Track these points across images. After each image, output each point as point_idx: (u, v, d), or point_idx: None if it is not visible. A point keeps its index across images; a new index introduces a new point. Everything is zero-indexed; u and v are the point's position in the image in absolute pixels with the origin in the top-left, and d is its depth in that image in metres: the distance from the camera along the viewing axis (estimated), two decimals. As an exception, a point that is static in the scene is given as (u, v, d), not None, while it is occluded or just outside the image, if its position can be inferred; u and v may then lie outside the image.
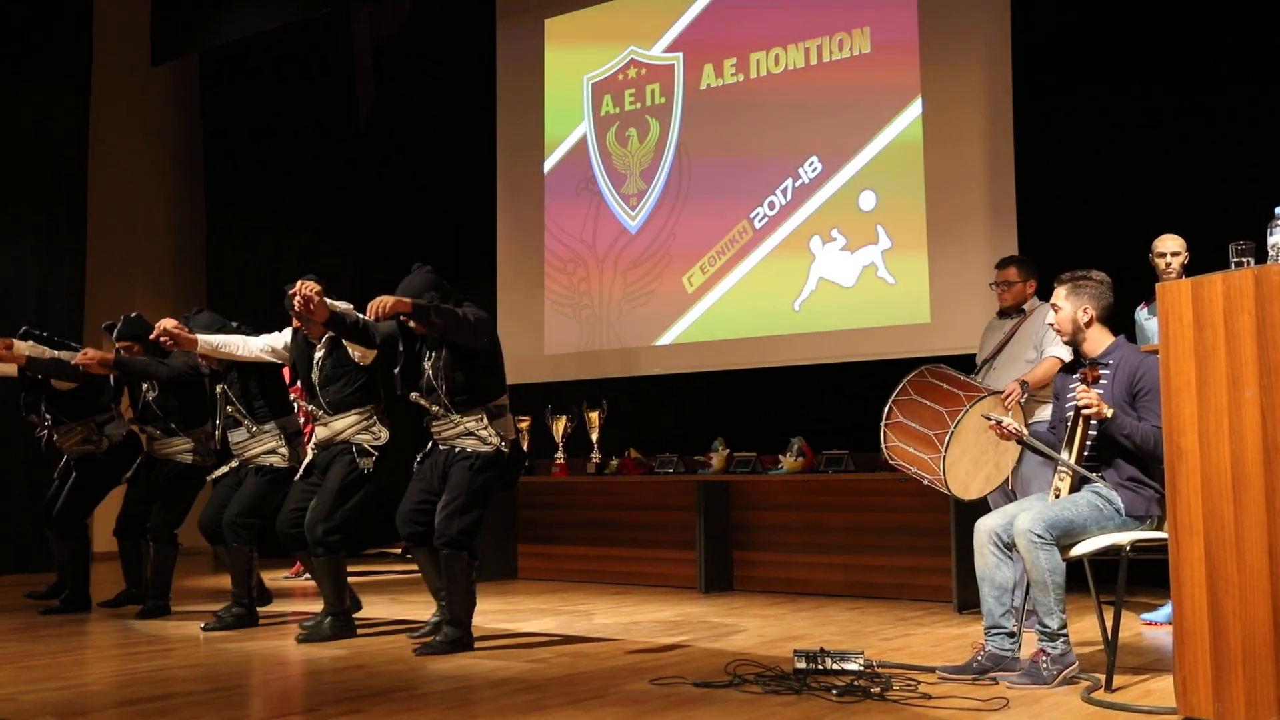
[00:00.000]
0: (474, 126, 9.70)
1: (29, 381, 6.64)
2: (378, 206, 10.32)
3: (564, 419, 7.91)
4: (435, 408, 4.97)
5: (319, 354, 5.35)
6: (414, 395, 5.00)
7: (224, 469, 5.94)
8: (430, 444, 5.10)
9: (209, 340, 5.56)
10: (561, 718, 3.56)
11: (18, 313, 9.12)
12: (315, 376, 5.33)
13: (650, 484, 7.53)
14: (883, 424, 4.56)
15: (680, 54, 8.60)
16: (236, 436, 5.87)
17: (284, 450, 5.84)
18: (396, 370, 5.04)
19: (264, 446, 5.85)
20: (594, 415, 7.81)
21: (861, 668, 4.06)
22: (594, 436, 7.81)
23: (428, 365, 4.97)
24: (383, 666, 4.53)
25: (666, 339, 8.50)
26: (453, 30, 10.05)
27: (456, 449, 4.96)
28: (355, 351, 5.26)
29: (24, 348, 6.38)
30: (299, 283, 5.00)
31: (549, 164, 9.21)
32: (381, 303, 4.60)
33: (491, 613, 6.05)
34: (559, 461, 7.86)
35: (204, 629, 5.58)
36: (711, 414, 8.14)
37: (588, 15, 9.13)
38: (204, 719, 3.63)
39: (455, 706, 3.75)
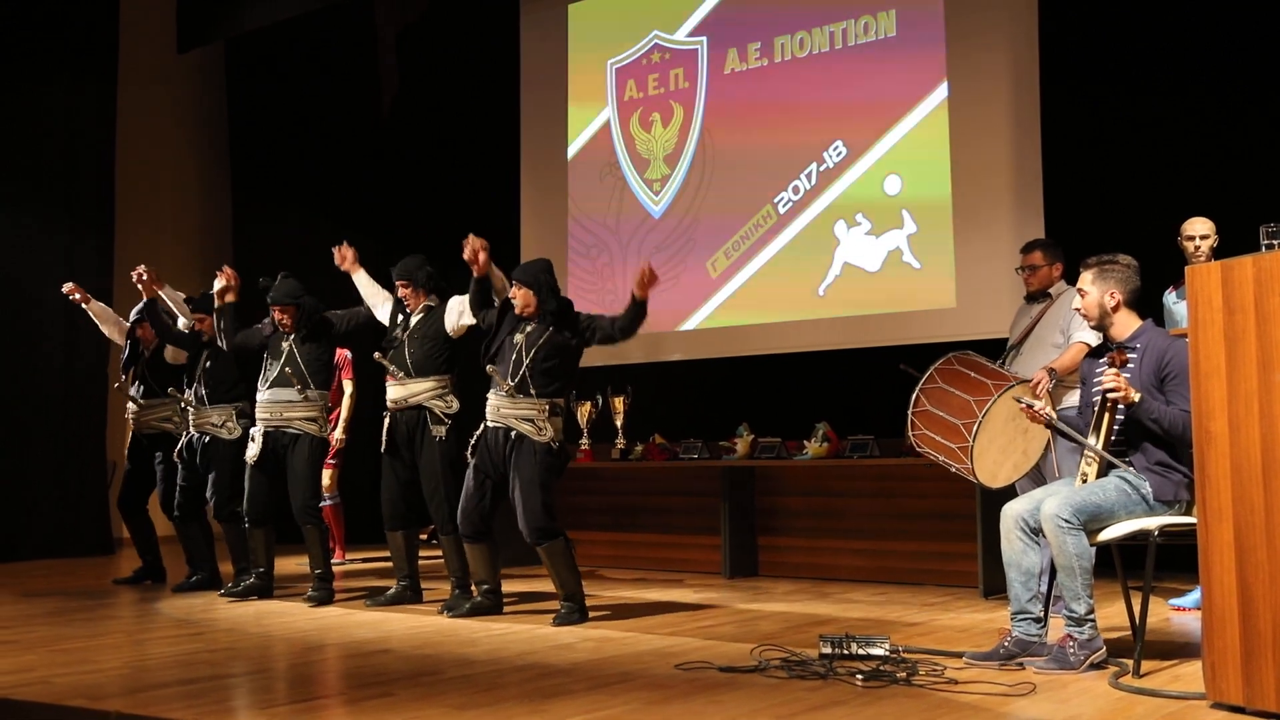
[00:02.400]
0: (497, 112, 9.70)
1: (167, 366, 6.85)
2: (401, 192, 10.33)
3: (588, 405, 7.91)
4: (508, 383, 5.14)
5: (416, 318, 5.69)
6: (490, 367, 5.24)
7: (254, 449, 5.97)
8: (481, 428, 5.30)
9: (365, 280, 5.97)
10: (588, 702, 3.58)
11: (46, 298, 9.19)
12: (403, 335, 5.66)
13: (675, 469, 7.53)
14: (910, 412, 4.53)
15: (704, 38, 8.56)
16: (282, 396, 5.93)
17: (323, 421, 6.07)
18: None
19: (306, 414, 5.98)
20: (618, 401, 7.81)
21: (887, 653, 4.06)
22: (618, 422, 7.81)
23: (520, 339, 5.19)
24: (411, 650, 4.56)
25: (690, 324, 8.49)
26: (476, 16, 10.05)
27: (513, 433, 5.17)
28: (450, 325, 5.66)
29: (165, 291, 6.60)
30: (470, 236, 5.30)
31: (572, 149, 9.20)
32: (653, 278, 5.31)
33: (517, 597, 6.07)
34: (583, 447, 7.86)
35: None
36: (736, 399, 8.13)
37: (611, -1, 9.11)
38: (233, 702, 3.67)
39: (483, 690, 3.77)
